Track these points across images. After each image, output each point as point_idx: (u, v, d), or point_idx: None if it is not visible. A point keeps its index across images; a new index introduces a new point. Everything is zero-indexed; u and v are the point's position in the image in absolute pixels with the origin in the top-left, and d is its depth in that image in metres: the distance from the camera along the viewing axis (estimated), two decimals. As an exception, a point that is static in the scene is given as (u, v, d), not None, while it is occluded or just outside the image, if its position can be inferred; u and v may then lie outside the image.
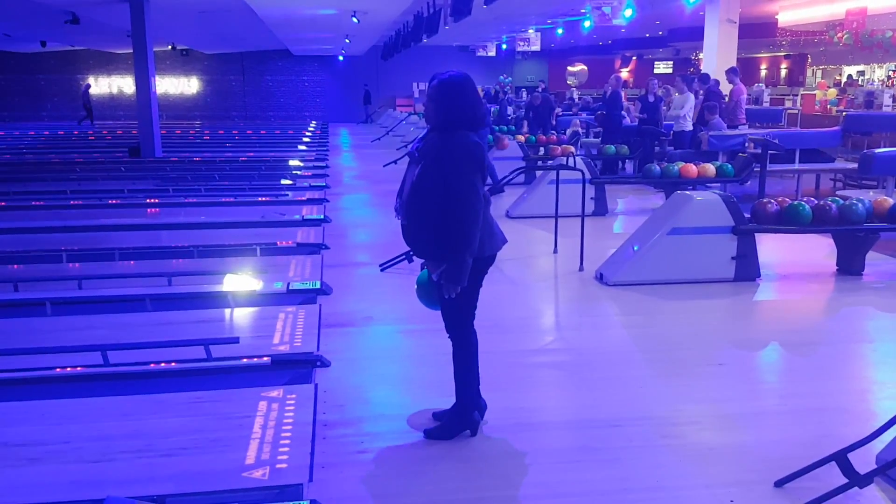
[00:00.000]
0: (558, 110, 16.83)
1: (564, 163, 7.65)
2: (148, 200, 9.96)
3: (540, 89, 18.75)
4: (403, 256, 6.06)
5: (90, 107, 26.36)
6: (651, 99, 12.05)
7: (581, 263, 6.34)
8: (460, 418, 3.34)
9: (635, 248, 5.94)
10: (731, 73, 12.10)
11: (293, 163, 13.70)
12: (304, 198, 10.03)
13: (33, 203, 9.50)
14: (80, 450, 3.20)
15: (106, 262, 6.47)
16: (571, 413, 3.72)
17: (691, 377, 4.14)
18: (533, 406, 3.79)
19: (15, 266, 6.35)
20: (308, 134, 21.57)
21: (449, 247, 3.05)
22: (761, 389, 4.10)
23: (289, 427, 3.37)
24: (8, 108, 28.90)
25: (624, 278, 5.78)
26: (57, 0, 13.83)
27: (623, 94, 13.73)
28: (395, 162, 13.54)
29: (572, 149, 9.97)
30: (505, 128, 14.80)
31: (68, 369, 4.01)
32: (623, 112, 13.19)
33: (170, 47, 26.71)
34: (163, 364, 4.09)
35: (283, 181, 11.64)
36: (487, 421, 3.47)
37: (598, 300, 5.65)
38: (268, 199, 9.92)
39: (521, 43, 23.08)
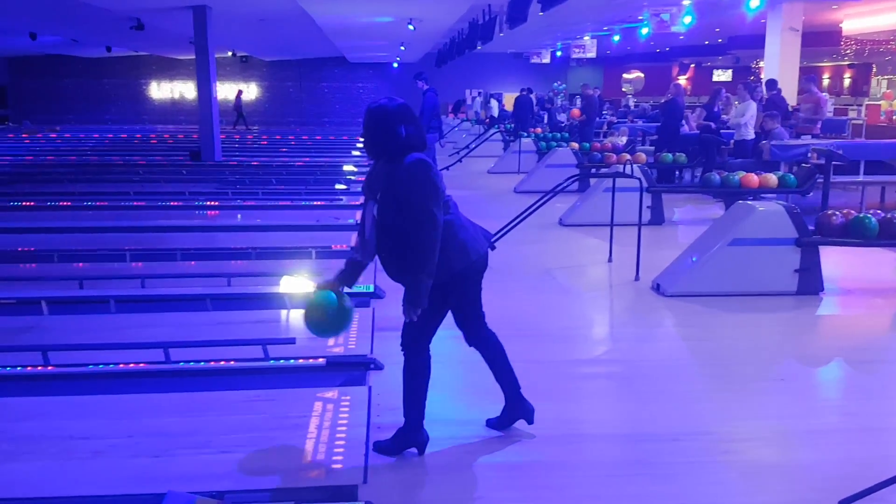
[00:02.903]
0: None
1: (621, 170, 7.56)
2: (208, 203, 10.18)
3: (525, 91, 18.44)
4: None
5: (242, 112, 27.07)
6: (718, 108, 11.86)
7: (637, 273, 6.25)
8: (404, 437, 3.28)
9: (694, 259, 5.83)
10: (810, 80, 11.86)
11: (347, 168, 13.86)
12: (357, 202, 10.12)
13: (98, 203, 9.80)
14: (142, 444, 3.28)
15: (168, 262, 6.63)
16: (626, 426, 3.66)
17: (751, 392, 4.04)
18: (585, 417, 3.75)
19: (80, 264, 6.56)
20: (362, 140, 21.79)
21: (408, 270, 3.03)
22: (823, 407, 3.98)
23: (343, 428, 3.39)
24: (74, 112, 29.92)
25: (682, 289, 5.68)
26: (123, 6, 14.28)
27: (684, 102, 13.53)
28: (447, 168, 13.59)
29: (629, 156, 9.85)
30: (558, 134, 14.74)
31: (131, 365, 4.12)
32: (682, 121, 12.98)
33: (230, 54, 27.32)
34: (222, 362, 4.18)
35: (338, 186, 11.78)
36: (534, 434, 3.44)
37: (654, 311, 5.57)
38: (323, 203, 10.05)
39: (577, 50, 22.92)
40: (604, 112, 19.43)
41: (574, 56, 24.66)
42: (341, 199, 10.47)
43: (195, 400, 3.78)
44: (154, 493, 2.78)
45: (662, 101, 14.47)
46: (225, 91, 29.28)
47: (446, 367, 4.42)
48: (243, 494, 2.82)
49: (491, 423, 3.47)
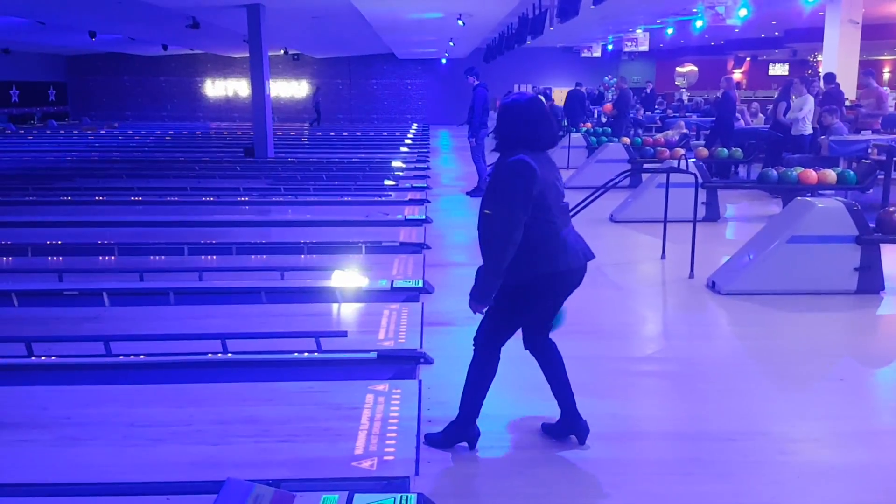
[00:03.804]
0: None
1: (675, 165, 7.44)
2: (261, 199, 10.35)
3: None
4: None
5: (320, 110, 27.63)
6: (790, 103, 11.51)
7: (692, 271, 6.15)
8: (456, 430, 3.28)
9: (751, 257, 5.71)
10: (868, 74, 11.50)
11: (396, 164, 13.94)
12: (406, 198, 10.19)
13: (156, 199, 10.05)
14: (201, 432, 3.37)
15: (224, 256, 6.77)
16: (682, 424, 3.61)
17: (810, 392, 3.95)
18: (641, 415, 3.71)
19: (140, 257, 6.74)
20: (410, 136, 21.90)
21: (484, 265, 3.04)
22: (882, 407, 3.88)
23: (395, 421, 3.43)
24: (131, 108, 30.69)
25: (738, 287, 5.57)
26: (179, 5, 14.59)
27: (737, 95, 13.24)
28: (491, 165, 13.52)
29: (682, 151, 9.68)
30: (608, 129, 14.57)
31: (190, 356, 4.22)
32: (737, 115, 12.72)
33: (283, 52, 27.69)
34: (276, 354, 4.26)
35: (387, 182, 11.85)
36: (590, 430, 3.43)
37: (709, 309, 5.48)
38: (372, 199, 10.13)
39: (629, 43, 22.60)
40: (656, 107, 19.13)
41: (626, 49, 24.32)
42: (390, 195, 10.55)
43: (251, 390, 3.86)
44: (213, 480, 2.85)
45: (717, 95, 14.18)
46: (277, 88, 29.73)
47: (503, 362, 4.43)
48: (299, 483, 2.86)
49: (546, 429, 3.44)
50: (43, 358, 4.22)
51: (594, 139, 13.55)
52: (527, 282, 3.06)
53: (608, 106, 16.75)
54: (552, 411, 3.45)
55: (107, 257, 6.80)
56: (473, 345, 3.26)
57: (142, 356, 4.23)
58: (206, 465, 3.07)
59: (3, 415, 3.58)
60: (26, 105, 27.47)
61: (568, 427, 3.34)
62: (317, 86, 29.16)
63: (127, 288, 5.60)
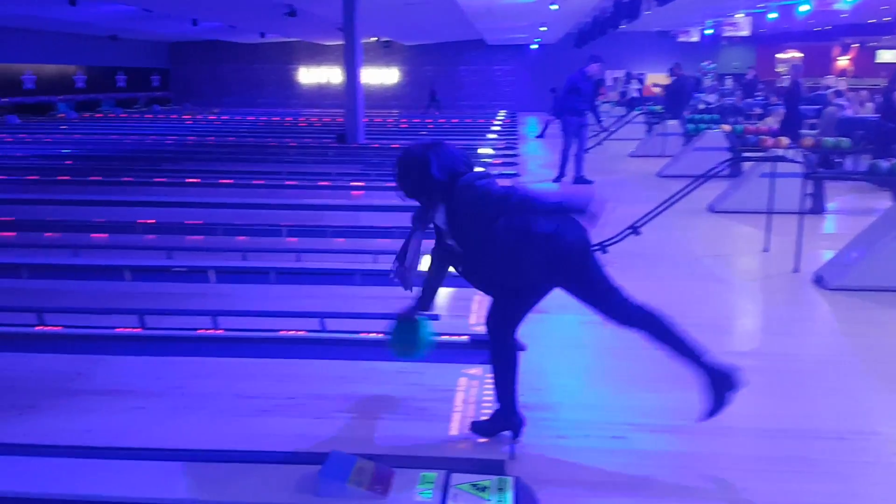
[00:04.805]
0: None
1: (780, 155, 7.14)
2: (352, 183, 10.54)
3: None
4: (630, 230, 6.00)
5: (436, 96, 28.32)
6: None
7: (797, 264, 5.90)
8: (500, 419, 3.22)
9: (860, 252, 5.44)
10: None
11: (482, 151, 13.91)
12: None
13: (255, 182, 10.40)
14: (303, 406, 3.49)
15: (319, 238, 6.94)
16: (787, 421, 3.48)
17: (927, 394, 3.74)
18: (744, 411, 3.57)
19: (242, 238, 6.99)
20: (498, 123, 21.82)
21: None
22: None
23: (489, 404, 3.44)
24: (230, 94, 31.76)
25: (847, 283, 5.32)
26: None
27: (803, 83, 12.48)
28: (587, 150, 13.32)
29: (787, 140, 9.27)
30: (707, 116, 14.08)
31: (291, 333, 4.36)
32: (843, 102, 12.08)
33: (374, 39, 28.06)
34: (371, 334, 4.34)
35: (476, 169, 11.83)
36: (687, 424, 3.34)
37: (815, 305, 5.25)
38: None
39: (729, 28, 21.81)
40: (756, 94, 18.40)
41: (725, 34, 23.47)
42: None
43: (348, 368, 3.96)
44: (316, 452, 2.95)
45: (783, 84, 13.45)
46: (367, 76, 30.11)
47: (590, 351, 4.39)
48: (397, 459, 2.91)
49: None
50: (155, 330, 4.45)
51: (692, 126, 13.11)
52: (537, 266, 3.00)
53: (654, 88, 15.81)
54: (651, 402, 3.40)
55: (211, 237, 7.06)
56: (487, 335, 3.21)
57: (247, 331, 4.40)
58: (309, 437, 3.18)
59: (120, 383, 3.80)
60: (132, 90, 28.85)
61: (718, 386, 3.04)
62: (432, 75, 29.47)
63: (232, 266, 5.83)
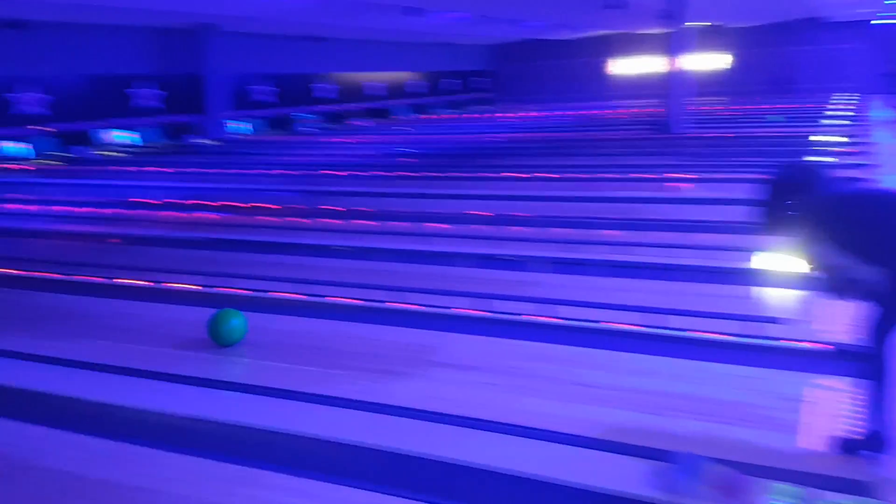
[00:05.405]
0: None
1: None
2: (668, 175, 10.19)
3: None
4: None
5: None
6: None
7: None
8: (870, 438, 2.88)
9: None
10: None
11: (814, 139, 12.56)
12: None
13: (574, 175, 10.58)
14: (645, 401, 3.47)
15: (638, 232, 6.86)
16: None
17: None
18: None
19: (569, 229, 7.14)
20: (839, 107, 19.57)
21: None
22: None
23: (844, 419, 3.10)
24: (547, 91, 32.65)
25: None
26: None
27: None
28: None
29: None
30: None
31: (621, 325, 4.41)
32: None
33: (700, 24, 26.75)
34: (705, 333, 4.19)
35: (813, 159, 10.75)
36: None
37: None
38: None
39: None
40: None
41: None
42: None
43: (684, 367, 3.86)
44: (656, 448, 2.92)
45: None
46: (691, 62, 28.83)
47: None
48: (746, 467, 2.76)
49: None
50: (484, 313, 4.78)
51: None
52: None
53: None
54: None
55: (535, 227, 7.32)
56: (866, 348, 2.91)
57: (578, 321, 4.52)
58: (651, 433, 3.17)
59: (465, 358, 4.11)
60: (459, 92, 31.13)
61: None
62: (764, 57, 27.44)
63: (562, 258, 6.00)
